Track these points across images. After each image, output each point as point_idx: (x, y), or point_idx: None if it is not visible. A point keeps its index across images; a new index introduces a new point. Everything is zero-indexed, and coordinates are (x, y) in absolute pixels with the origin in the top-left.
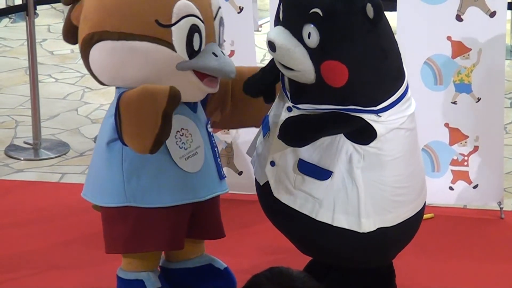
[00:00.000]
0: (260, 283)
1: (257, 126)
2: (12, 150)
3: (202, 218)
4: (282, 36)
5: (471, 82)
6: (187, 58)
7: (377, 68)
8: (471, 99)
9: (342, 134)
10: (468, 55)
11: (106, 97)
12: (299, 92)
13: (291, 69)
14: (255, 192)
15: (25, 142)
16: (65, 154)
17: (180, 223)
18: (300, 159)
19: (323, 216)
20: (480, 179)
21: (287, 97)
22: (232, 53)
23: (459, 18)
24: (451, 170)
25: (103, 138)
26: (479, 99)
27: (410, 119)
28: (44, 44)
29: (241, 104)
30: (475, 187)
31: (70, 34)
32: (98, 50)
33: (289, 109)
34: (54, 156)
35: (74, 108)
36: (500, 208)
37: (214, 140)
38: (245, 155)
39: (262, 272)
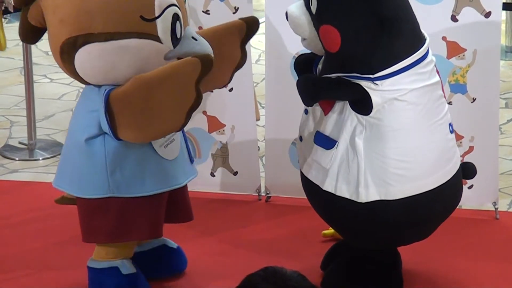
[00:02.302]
0: (255, 283)
1: (221, 83)
2: (7, 150)
3: (175, 203)
4: (296, 6)
5: (466, 83)
6: (172, 47)
7: (371, 35)
8: (466, 100)
9: (348, 106)
10: (463, 55)
11: None
12: (322, 65)
13: (304, 39)
14: (250, 193)
15: (20, 143)
16: (60, 154)
17: (160, 211)
18: (317, 131)
19: (328, 185)
20: (475, 180)
21: (315, 71)
22: None
23: (454, 19)
24: None
25: (80, 134)
26: (474, 100)
27: (416, 94)
28: (39, 44)
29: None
30: (470, 187)
31: (30, 35)
32: (86, 53)
33: None
34: (49, 156)
35: (69, 109)
36: (495, 208)
37: None
38: (240, 155)
39: (256, 271)
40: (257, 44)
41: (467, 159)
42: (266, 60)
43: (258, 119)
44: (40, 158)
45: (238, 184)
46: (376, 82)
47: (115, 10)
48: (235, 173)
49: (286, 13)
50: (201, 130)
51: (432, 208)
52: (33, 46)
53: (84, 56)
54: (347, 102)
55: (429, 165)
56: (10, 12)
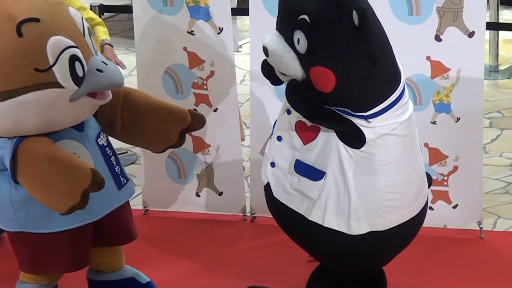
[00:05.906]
0: None
1: (152, 150)
2: None
3: (106, 228)
4: (275, 41)
5: (450, 102)
6: (76, 88)
7: (365, 75)
8: (450, 119)
9: (336, 137)
10: (447, 75)
11: None
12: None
13: (284, 74)
14: (235, 213)
15: None
16: None
17: (81, 243)
18: (297, 159)
19: (315, 216)
20: (460, 199)
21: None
22: (212, 73)
23: (438, 38)
24: (431, 190)
25: None
26: (458, 119)
27: (404, 126)
28: None
29: (130, 127)
30: (454, 207)
31: None
32: None
33: (288, 111)
34: None
35: None
36: (480, 227)
37: (108, 149)
38: (225, 176)
39: None
40: (242, 64)
41: (451, 178)
42: (250, 81)
43: (243, 139)
44: None
45: (223, 204)
46: (369, 119)
47: (7, 67)
48: (220, 193)
49: (266, 49)
50: (186, 151)
51: (413, 232)
52: None
53: None
54: (334, 133)
55: (415, 192)
56: None
